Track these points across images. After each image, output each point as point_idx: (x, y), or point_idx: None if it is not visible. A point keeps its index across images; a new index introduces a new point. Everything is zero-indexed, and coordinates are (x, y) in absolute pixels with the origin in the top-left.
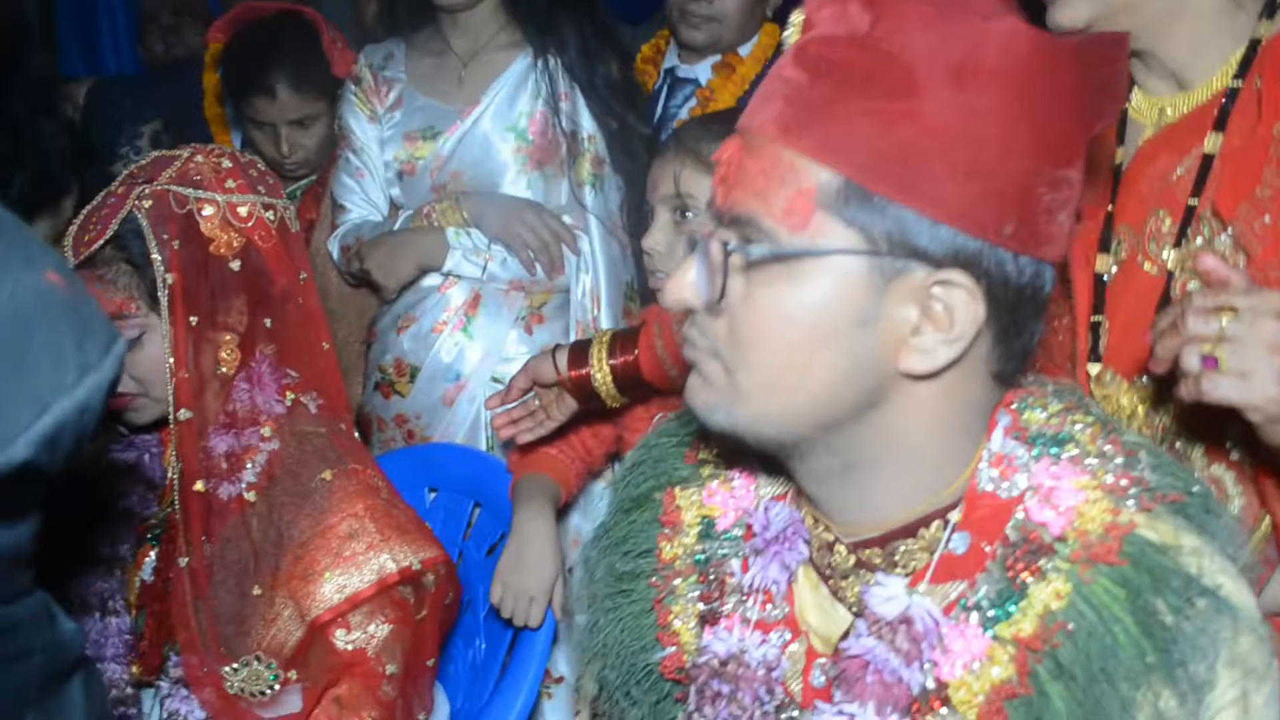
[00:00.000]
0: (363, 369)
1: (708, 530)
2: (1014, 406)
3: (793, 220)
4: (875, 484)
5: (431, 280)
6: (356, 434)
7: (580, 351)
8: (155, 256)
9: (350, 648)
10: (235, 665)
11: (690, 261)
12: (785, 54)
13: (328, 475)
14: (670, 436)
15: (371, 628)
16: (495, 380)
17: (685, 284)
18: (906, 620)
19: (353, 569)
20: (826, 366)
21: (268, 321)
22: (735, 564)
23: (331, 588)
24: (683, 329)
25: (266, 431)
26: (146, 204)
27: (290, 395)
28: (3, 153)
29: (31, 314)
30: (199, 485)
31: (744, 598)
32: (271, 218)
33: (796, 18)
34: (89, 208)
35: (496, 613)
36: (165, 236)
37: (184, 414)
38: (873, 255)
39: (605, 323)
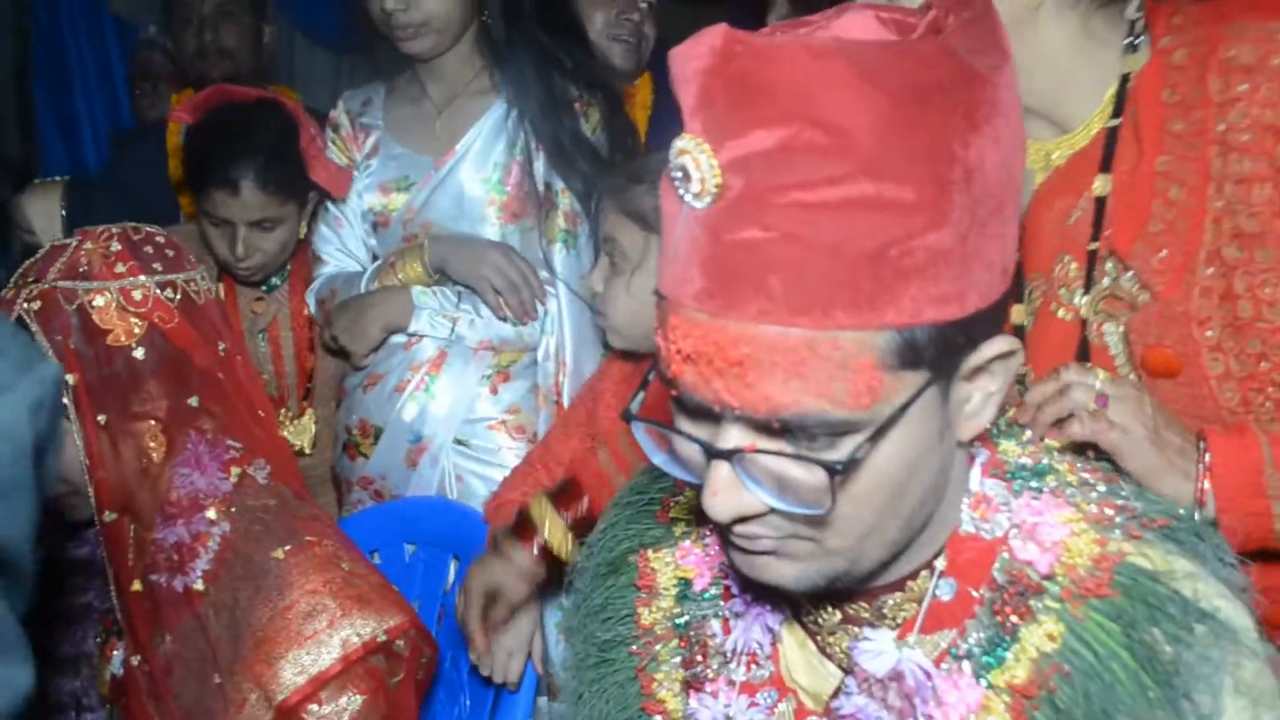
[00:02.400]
0: None
1: (685, 592)
2: (990, 436)
3: (863, 399)
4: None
5: (398, 338)
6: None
7: (524, 529)
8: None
9: None
10: None
11: (719, 475)
12: (723, 208)
13: (281, 554)
14: (640, 494)
15: (343, 700)
16: (458, 442)
17: (733, 500)
18: (897, 676)
19: (315, 647)
20: (919, 490)
21: (193, 401)
22: (716, 624)
23: (294, 669)
24: (734, 528)
25: (213, 514)
26: (35, 306)
27: (235, 470)
28: None
29: None
30: (136, 585)
31: (728, 660)
32: (171, 295)
33: (688, 143)
34: None
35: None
36: (58, 338)
37: (109, 516)
38: (941, 380)
39: (570, 387)
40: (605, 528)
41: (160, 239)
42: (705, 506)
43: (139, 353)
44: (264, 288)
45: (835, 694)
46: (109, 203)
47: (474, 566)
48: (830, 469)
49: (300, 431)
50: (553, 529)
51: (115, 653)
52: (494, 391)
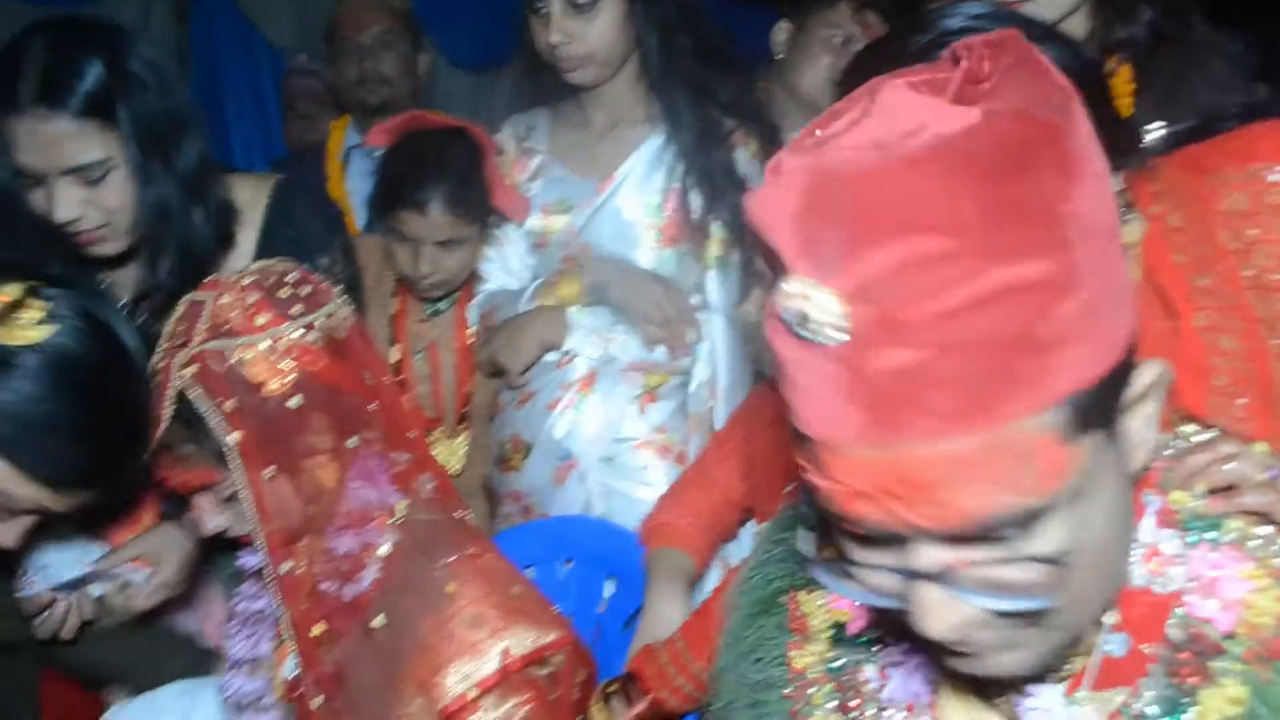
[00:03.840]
0: None
1: (839, 635)
2: (1160, 484)
3: (1054, 481)
4: None
5: (552, 356)
6: (470, 511)
7: None
8: (212, 423)
9: None
10: None
11: (930, 595)
12: (858, 341)
13: (446, 565)
14: (790, 531)
15: (506, 709)
16: (605, 460)
17: (952, 616)
18: None
19: (476, 657)
20: (1121, 539)
21: (352, 437)
22: (871, 669)
23: (457, 678)
24: (952, 639)
25: (382, 526)
26: (189, 372)
27: (403, 484)
28: (154, 236)
29: None
30: (316, 629)
31: (884, 707)
32: (314, 339)
33: (801, 286)
34: None
35: None
36: (217, 400)
37: (284, 567)
38: (1111, 428)
39: (723, 414)
40: (756, 565)
41: (292, 276)
42: (922, 629)
43: (294, 400)
44: (429, 311)
45: None
46: (307, 209)
47: None
48: (1054, 561)
49: (452, 452)
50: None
51: (287, 657)
52: (641, 411)
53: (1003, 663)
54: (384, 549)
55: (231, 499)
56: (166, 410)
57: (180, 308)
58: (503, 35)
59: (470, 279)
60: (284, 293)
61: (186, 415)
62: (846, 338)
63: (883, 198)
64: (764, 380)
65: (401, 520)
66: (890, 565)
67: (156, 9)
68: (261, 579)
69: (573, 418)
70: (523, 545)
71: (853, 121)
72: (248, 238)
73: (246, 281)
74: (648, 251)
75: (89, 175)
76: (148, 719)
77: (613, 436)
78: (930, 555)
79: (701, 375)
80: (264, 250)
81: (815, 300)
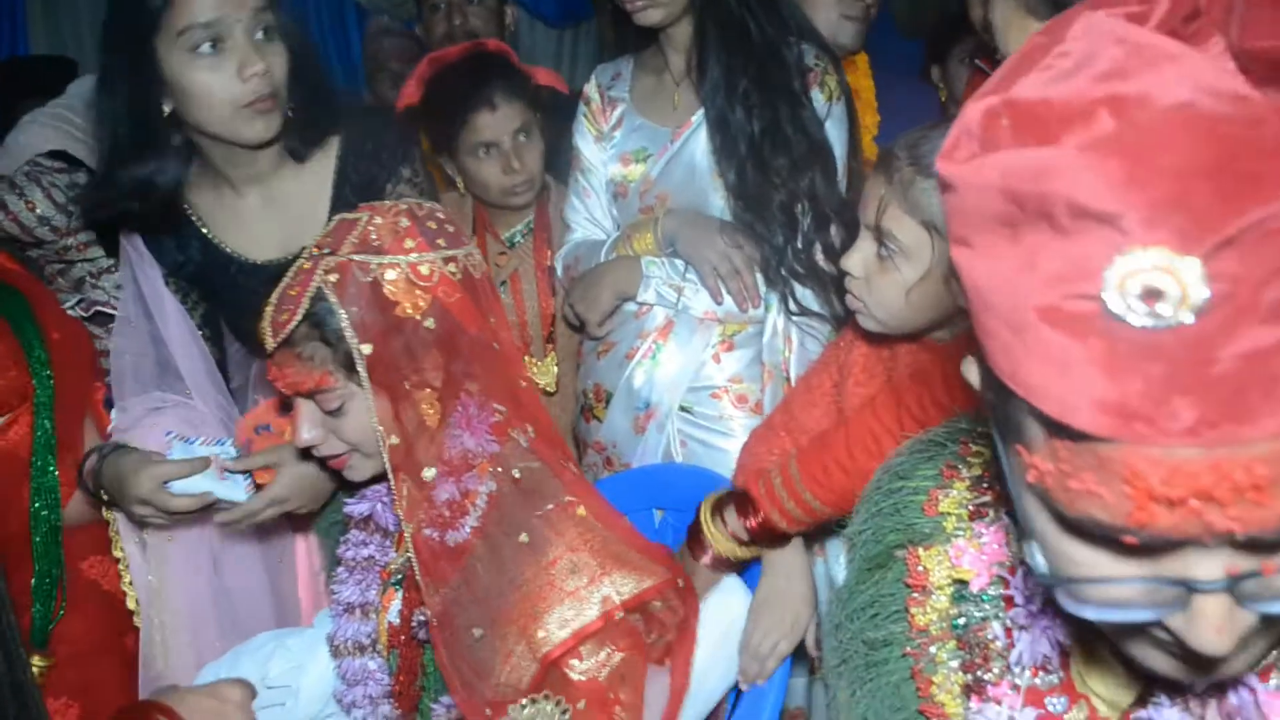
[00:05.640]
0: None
1: (961, 592)
2: None
3: None
4: None
5: (631, 306)
6: (571, 462)
7: (695, 543)
8: (347, 330)
9: (583, 678)
10: (524, 702)
11: (1217, 609)
12: (1214, 320)
13: (543, 512)
14: (903, 480)
15: (603, 655)
16: (683, 409)
17: (1235, 628)
18: (1218, 690)
19: (577, 604)
20: None
21: (464, 371)
22: (997, 626)
23: (558, 624)
24: (1226, 652)
25: (481, 473)
26: (332, 278)
27: (501, 433)
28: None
29: None
30: (424, 576)
31: (1010, 667)
32: (454, 270)
33: (1161, 257)
34: (283, 285)
35: None
36: (354, 309)
37: (405, 486)
38: None
39: (797, 364)
40: (868, 518)
41: (440, 214)
42: (1202, 645)
43: (428, 323)
44: (508, 243)
45: (1136, 704)
46: (381, 124)
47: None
48: None
49: (544, 372)
50: (720, 541)
51: (392, 603)
52: (717, 360)
53: (1235, 666)
54: (483, 497)
55: (334, 413)
56: (301, 307)
57: (330, 224)
58: None
59: (542, 214)
60: (431, 224)
61: (317, 318)
62: (1194, 318)
63: (1236, 155)
64: (846, 328)
65: (500, 469)
66: (1149, 576)
67: None
68: (368, 526)
69: (649, 367)
70: (616, 494)
71: (1110, 69)
72: (327, 157)
73: (401, 208)
74: (717, 198)
75: (266, 22)
76: (227, 670)
77: (689, 385)
78: (1219, 563)
79: (775, 326)
80: (345, 165)
81: (1176, 274)
